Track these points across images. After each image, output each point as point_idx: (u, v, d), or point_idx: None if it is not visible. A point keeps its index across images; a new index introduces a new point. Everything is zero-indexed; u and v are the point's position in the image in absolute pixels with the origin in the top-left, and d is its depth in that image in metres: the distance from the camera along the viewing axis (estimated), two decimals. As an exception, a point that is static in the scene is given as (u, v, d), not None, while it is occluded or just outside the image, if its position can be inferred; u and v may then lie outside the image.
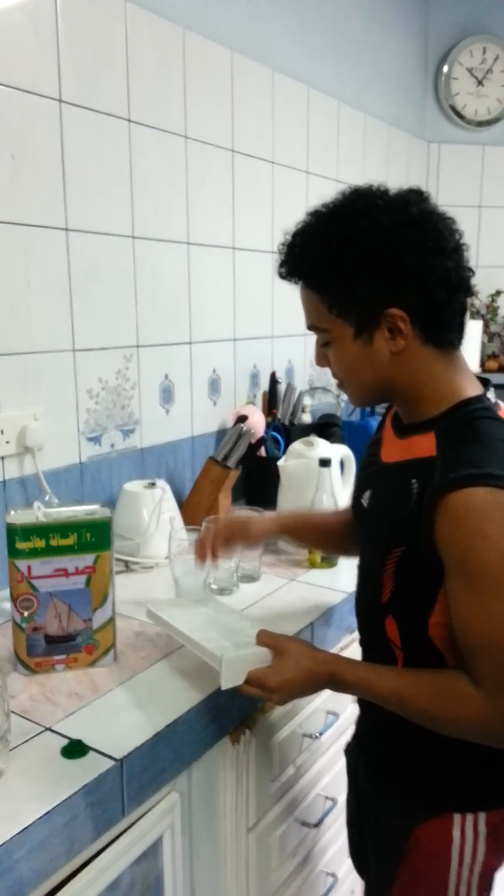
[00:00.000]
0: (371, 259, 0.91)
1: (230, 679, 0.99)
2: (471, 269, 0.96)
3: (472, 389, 0.97)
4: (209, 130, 1.85)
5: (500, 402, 1.00)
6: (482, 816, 1.01)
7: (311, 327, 1.02)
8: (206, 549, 1.23)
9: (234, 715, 1.12)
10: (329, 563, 1.56)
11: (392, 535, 0.96)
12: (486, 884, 1.05)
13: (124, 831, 0.95)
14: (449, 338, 0.96)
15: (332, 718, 1.36)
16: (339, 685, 1.00)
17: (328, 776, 1.41)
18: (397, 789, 1.06)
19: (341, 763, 1.45)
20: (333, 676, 0.99)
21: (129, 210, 1.64)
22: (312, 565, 1.56)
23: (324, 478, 1.55)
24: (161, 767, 0.98)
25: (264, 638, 1.03)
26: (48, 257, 1.46)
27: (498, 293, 3.12)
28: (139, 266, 1.68)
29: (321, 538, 1.35)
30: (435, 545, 0.88)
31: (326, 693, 1.33)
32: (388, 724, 0.98)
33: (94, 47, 1.50)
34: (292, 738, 1.27)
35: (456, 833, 1.01)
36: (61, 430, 1.53)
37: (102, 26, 1.51)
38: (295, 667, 0.99)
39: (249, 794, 1.17)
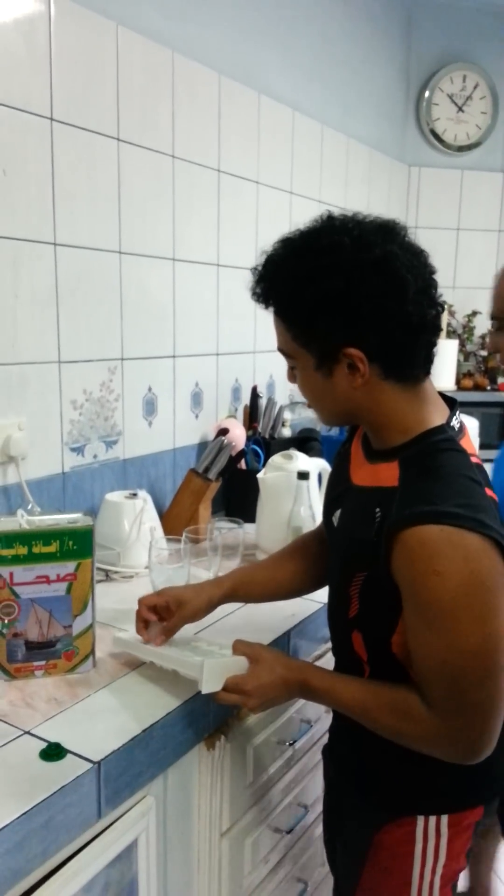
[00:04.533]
0: (330, 301, 0.92)
1: (210, 685, 1.02)
2: (440, 306, 0.97)
3: (438, 418, 0.99)
4: (196, 150, 1.89)
5: (465, 424, 1.03)
6: (444, 819, 1.04)
7: (279, 350, 1.05)
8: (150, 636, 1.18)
9: (209, 721, 1.14)
10: None
11: (356, 558, 0.99)
12: (448, 885, 1.08)
13: (100, 833, 0.97)
14: (413, 373, 0.97)
15: (305, 727, 1.39)
16: (309, 692, 1.04)
17: (302, 784, 1.44)
18: (363, 790, 1.09)
19: (315, 771, 1.48)
20: (303, 683, 1.03)
21: (116, 226, 1.67)
22: None
23: (301, 490, 1.58)
24: (137, 771, 1.00)
25: (240, 647, 1.06)
26: (36, 271, 1.49)
27: (474, 314, 3.19)
28: (125, 281, 1.71)
29: (268, 594, 1.29)
30: (392, 575, 0.92)
31: (301, 701, 1.36)
32: (356, 726, 1.01)
33: (85, 68, 1.54)
34: (267, 745, 1.30)
35: (419, 834, 1.04)
36: (45, 440, 1.56)
37: (94, 47, 1.55)
38: (270, 672, 1.03)
39: (224, 800, 1.20)
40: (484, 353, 3.20)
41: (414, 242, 0.97)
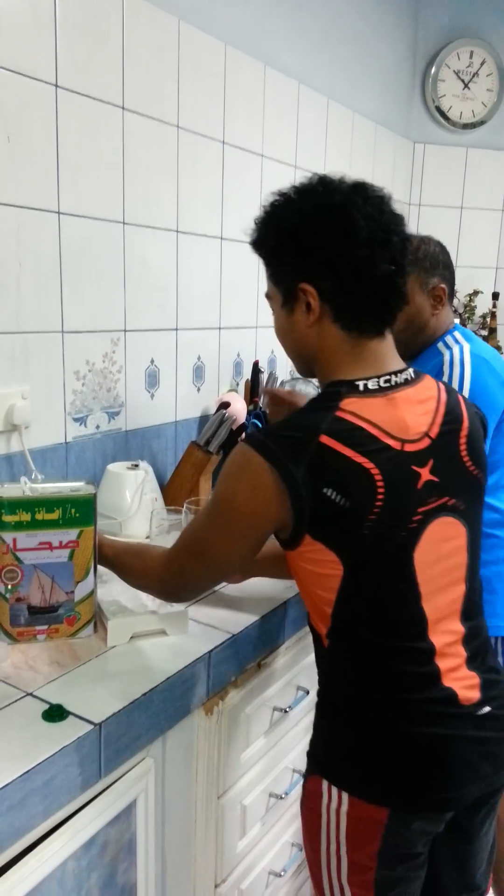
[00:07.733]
0: (288, 238, 1.02)
1: (116, 638, 1.17)
2: (401, 267, 1.01)
3: (358, 372, 1.02)
4: (201, 121, 1.88)
5: (406, 392, 1.02)
6: (346, 798, 1.01)
7: (265, 296, 1.12)
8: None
9: (208, 687, 1.16)
10: None
11: None
12: (358, 876, 1.03)
13: (100, 793, 0.99)
14: (359, 325, 1.02)
15: (301, 694, 1.41)
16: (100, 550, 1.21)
17: (296, 750, 1.46)
18: (310, 740, 1.12)
19: (309, 738, 1.50)
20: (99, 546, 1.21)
21: (120, 196, 1.66)
22: None
23: None
24: (137, 733, 1.02)
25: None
26: (40, 239, 1.48)
27: (476, 293, 3.18)
28: (128, 252, 1.71)
29: None
30: None
31: (297, 668, 1.39)
32: (322, 679, 1.10)
33: (90, 34, 1.52)
34: (263, 711, 1.32)
35: (324, 798, 1.03)
36: (48, 409, 1.56)
37: (99, 13, 1.54)
38: None
39: (220, 763, 1.22)
40: (485, 332, 3.20)
41: (386, 202, 1.02)
